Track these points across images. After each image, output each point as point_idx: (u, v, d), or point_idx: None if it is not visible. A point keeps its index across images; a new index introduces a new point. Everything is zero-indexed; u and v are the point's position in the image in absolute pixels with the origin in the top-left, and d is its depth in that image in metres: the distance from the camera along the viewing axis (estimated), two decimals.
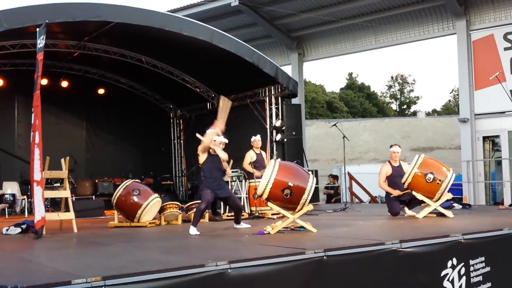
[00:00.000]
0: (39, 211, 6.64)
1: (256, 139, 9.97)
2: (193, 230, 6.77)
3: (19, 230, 7.29)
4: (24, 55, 12.09)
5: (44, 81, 13.71)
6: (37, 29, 7.34)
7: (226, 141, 7.33)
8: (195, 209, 8.52)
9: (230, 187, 8.57)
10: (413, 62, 72.93)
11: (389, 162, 8.91)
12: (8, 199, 3.18)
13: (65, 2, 10.01)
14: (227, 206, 9.72)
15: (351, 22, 16.48)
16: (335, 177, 16.55)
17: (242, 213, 9.22)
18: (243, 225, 7.49)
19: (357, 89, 48.63)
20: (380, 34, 16.70)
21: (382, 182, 8.81)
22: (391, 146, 9.13)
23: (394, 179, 8.64)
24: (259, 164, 9.63)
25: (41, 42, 7.12)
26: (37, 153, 6.73)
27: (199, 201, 7.41)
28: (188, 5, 17.17)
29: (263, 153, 10.09)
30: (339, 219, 8.73)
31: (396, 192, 8.55)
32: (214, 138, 7.35)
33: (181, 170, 16.83)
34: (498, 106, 13.84)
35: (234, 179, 9.80)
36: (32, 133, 6.74)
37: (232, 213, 9.47)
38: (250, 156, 9.76)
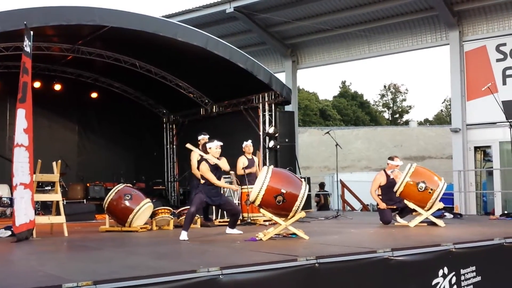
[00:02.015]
0: (26, 214, 6.58)
1: (248, 145, 9.95)
2: (183, 235, 6.74)
3: (9, 233, 7.22)
4: (17, 57, 11.98)
5: (37, 84, 13.68)
6: (31, 32, 7.30)
7: (221, 143, 7.28)
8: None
9: (222, 192, 8.54)
10: (406, 71, 73.25)
11: (385, 171, 8.88)
12: (5, 202, 3.14)
13: (59, 6, 9.99)
14: (219, 212, 9.71)
15: (345, 31, 16.56)
16: (321, 185, 16.84)
17: None
18: (236, 231, 7.43)
19: (350, 98, 48.76)
20: (373, 43, 16.79)
21: (373, 190, 8.82)
22: (391, 158, 8.91)
23: (388, 189, 8.64)
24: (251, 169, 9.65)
25: (26, 45, 7.05)
26: (26, 155, 6.68)
27: None
28: (183, 11, 17.18)
29: (255, 158, 10.09)
30: (331, 226, 8.74)
31: (382, 205, 8.60)
32: (208, 146, 7.30)
33: (173, 175, 16.79)
34: (490, 117, 13.92)
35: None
36: (13, 135, 6.66)
37: (225, 219, 9.47)
38: (242, 161, 9.76)
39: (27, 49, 7.04)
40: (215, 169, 7.16)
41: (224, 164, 7.26)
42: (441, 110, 51.08)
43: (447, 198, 12.60)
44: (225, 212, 9.26)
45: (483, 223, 8.76)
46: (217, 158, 7.24)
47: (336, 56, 17.75)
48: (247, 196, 8.14)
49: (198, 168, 8.86)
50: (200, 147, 9.19)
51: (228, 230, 7.45)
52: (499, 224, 8.44)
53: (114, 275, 3.76)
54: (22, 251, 5.96)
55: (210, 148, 7.24)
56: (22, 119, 6.68)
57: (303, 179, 6.76)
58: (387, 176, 8.78)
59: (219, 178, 7.26)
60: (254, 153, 10.24)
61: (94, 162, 15.30)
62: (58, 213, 7.68)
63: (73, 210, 11.15)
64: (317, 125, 40.69)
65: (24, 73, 6.85)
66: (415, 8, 15.34)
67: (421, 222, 8.15)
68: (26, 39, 6.98)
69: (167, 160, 16.87)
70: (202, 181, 7.23)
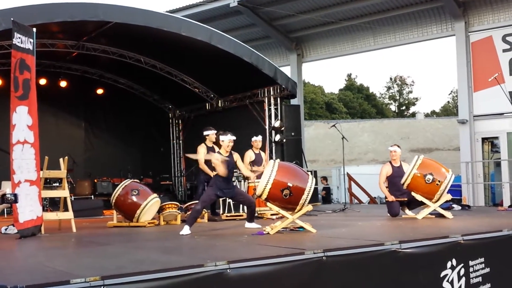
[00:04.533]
0: (32, 211, 6.59)
1: (257, 140, 9.96)
2: (185, 230, 6.71)
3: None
4: None
5: (43, 81, 13.70)
6: (34, 29, 7.27)
7: (234, 138, 7.24)
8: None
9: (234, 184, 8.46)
10: (412, 63, 72.90)
11: (390, 162, 8.92)
12: (9, 198, 3.15)
13: (63, 2, 9.98)
14: (226, 206, 9.71)
15: (350, 23, 16.49)
16: (325, 178, 16.90)
17: (242, 214, 9.22)
18: (254, 225, 7.23)
19: (356, 90, 48.57)
20: (379, 35, 16.71)
21: (381, 183, 8.80)
22: (391, 146, 9.13)
23: (394, 179, 8.64)
24: (258, 164, 9.66)
25: (24, 41, 6.96)
26: (32, 152, 6.68)
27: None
28: (187, 6, 17.17)
29: (262, 153, 10.10)
30: (339, 219, 8.73)
31: (390, 198, 8.58)
32: (221, 138, 7.25)
33: (180, 170, 16.81)
34: (497, 108, 13.85)
35: (233, 179, 9.78)
36: (11, 133, 6.57)
37: (232, 214, 9.47)
38: (249, 156, 9.76)
39: (26, 45, 6.95)
40: (225, 162, 7.11)
41: (242, 167, 7.35)
42: (448, 102, 50.81)
43: (455, 190, 12.53)
44: (241, 205, 9.26)
45: (491, 215, 8.72)
46: (229, 153, 7.21)
47: (342, 49, 17.69)
48: (254, 190, 8.13)
49: (205, 162, 8.89)
50: (207, 142, 9.19)
51: (247, 225, 7.31)
52: (507, 215, 8.40)
53: (122, 270, 3.77)
54: (30, 247, 5.99)
55: (223, 141, 7.20)
56: (25, 116, 6.66)
57: (309, 173, 6.74)
58: (393, 166, 8.79)
59: (230, 172, 7.20)
60: (262, 149, 10.26)
61: (101, 158, 15.33)
62: (66, 209, 7.71)
63: (81, 206, 11.19)
64: (323, 118, 40.57)
65: (25, 70, 6.81)
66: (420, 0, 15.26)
67: (429, 214, 8.11)
68: (19, 35, 6.83)
69: (174, 155, 16.90)
70: (215, 173, 7.19)
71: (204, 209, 8.81)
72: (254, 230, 6.83)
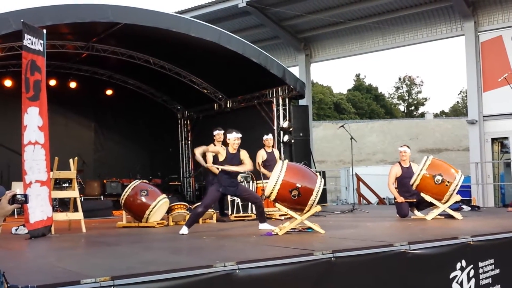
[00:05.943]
0: (43, 211, 6.64)
1: (268, 138, 10.04)
2: (183, 230, 6.73)
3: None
4: None
5: (53, 82, 13.79)
6: (44, 31, 7.31)
7: (239, 135, 7.24)
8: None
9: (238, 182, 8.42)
10: (421, 63, 72.62)
11: (399, 163, 8.88)
12: (20, 199, 3.20)
13: (73, 4, 10.05)
14: (235, 207, 9.72)
15: (359, 23, 16.45)
16: None
17: (250, 215, 9.23)
18: (267, 226, 7.05)
19: (365, 91, 48.45)
20: (387, 35, 16.66)
21: (391, 183, 8.77)
22: (401, 146, 9.10)
23: (404, 180, 8.60)
24: (270, 163, 9.61)
25: (34, 42, 7.00)
26: (42, 153, 6.74)
27: None
28: (196, 7, 17.21)
29: (275, 151, 10.13)
30: (347, 220, 8.72)
31: (400, 199, 8.55)
32: (228, 136, 7.28)
33: (189, 170, 16.85)
34: (507, 108, 13.77)
35: (241, 180, 9.80)
36: (22, 134, 6.60)
37: (241, 214, 9.48)
38: (261, 155, 9.79)
39: (37, 47, 7.01)
40: (231, 159, 7.11)
41: (246, 166, 7.22)
42: (457, 102, 50.54)
43: (465, 191, 12.47)
44: (250, 206, 9.24)
45: (501, 215, 8.66)
46: (237, 150, 7.19)
47: (350, 49, 17.65)
48: (262, 191, 8.14)
49: (213, 162, 8.90)
50: (215, 142, 9.21)
51: (260, 226, 7.14)
52: None
53: (132, 271, 3.79)
54: (40, 248, 6.03)
55: (229, 139, 7.24)
56: (36, 117, 6.72)
57: (318, 173, 6.73)
58: (402, 167, 8.76)
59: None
60: (274, 146, 10.31)
61: (110, 158, 15.40)
62: (75, 209, 7.76)
63: (91, 207, 11.26)
64: (331, 118, 40.50)
65: (35, 71, 6.87)
66: None
67: (438, 215, 8.09)
68: (29, 37, 6.90)
69: (182, 156, 16.94)
70: (221, 170, 7.19)
71: (212, 210, 8.84)
72: (265, 231, 6.77)
